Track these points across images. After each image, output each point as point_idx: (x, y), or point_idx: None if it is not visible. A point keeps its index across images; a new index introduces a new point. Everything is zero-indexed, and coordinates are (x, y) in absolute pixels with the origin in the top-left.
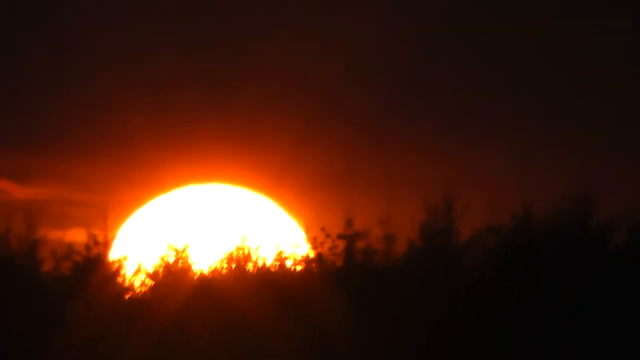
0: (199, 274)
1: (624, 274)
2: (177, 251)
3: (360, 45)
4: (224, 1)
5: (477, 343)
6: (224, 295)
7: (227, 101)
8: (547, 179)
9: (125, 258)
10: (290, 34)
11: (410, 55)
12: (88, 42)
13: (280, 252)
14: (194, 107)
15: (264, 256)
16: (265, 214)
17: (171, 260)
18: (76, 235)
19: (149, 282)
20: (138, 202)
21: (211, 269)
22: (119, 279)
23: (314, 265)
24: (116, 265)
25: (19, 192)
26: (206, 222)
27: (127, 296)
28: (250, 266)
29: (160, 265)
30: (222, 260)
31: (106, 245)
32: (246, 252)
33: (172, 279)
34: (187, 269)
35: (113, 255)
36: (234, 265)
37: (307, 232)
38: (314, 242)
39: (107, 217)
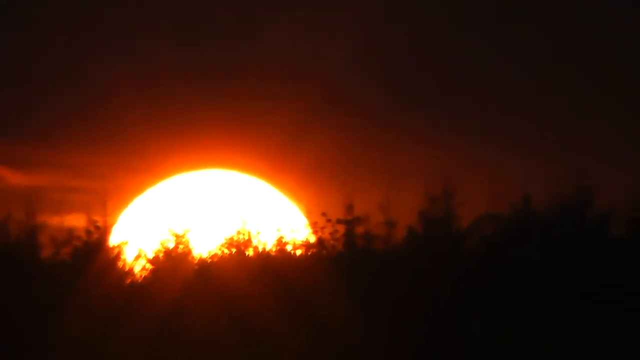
0: (198, 258)
1: (623, 262)
2: (177, 236)
3: (363, 33)
4: None
5: (475, 329)
6: (224, 280)
7: (228, 87)
8: (547, 168)
9: (125, 243)
10: (291, 19)
11: (413, 44)
12: (85, 33)
13: (281, 237)
14: (194, 93)
15: (264, 241)
16: (266, 199)
17: (171, 245)
18: (76, 221)
19: (150, 267)
20: (138, 189)
21: (211, 254)
22: (120, 264)
23: (314, 250)
24: (116, 250)
25: (18, 179)
26: (206, 208)
27: (127, 281)
28: (250, 251)
29: (160, 250)
30: (222, 245)
31: (106, 230)
32: (246, 237)
33: (172, 263)
34: (187, 253)
35: (113, 240)
36: (234, 250)
37: (308, 217)
38: (314, 227)
39: (106, 203)
